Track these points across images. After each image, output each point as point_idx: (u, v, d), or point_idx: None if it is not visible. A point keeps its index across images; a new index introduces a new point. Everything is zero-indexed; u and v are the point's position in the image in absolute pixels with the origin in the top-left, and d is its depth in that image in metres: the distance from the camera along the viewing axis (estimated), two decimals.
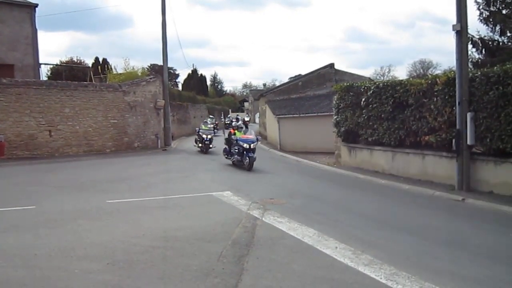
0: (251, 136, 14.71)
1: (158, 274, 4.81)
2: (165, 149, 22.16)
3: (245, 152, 14.02)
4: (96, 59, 38.12)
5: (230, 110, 64.55)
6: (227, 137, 15.92)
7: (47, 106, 18.16)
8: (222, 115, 55.55)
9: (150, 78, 23.42)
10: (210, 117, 34.78)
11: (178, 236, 6.35)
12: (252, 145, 14.06)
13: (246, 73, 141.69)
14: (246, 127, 15.11)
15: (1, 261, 5.20)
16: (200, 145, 20.12)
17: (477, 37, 19.13)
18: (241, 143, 14.20)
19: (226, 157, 15.62)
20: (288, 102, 26.00)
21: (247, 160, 13.89)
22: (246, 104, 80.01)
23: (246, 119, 56.60)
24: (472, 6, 18.89)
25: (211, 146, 19.86)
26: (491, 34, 19.31)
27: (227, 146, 15.74)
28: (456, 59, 10.25)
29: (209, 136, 19.67)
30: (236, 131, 15.33)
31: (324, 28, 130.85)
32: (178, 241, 6.08)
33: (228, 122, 47.34)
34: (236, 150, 14.47)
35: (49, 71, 29.38)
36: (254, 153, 14.00)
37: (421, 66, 62.85)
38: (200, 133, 20.18)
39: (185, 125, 36.22)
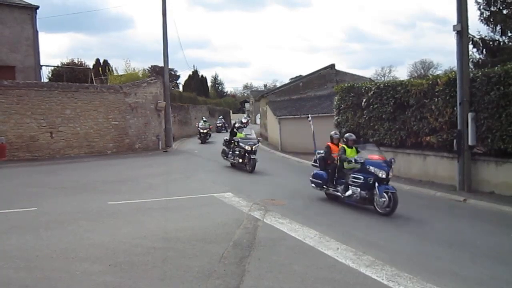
0: (381, 156, 8.86)
1: (160, 275, 4.82)
2: (166, 151, 22.16)
3: (377, 184, 8.37)
4: (97, 60, 38.17)
5: (230, 111, 64.45)
6: (322, 154, 10.12)
7: (48, 108, 18.18)
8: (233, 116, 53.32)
9: (151, 80, 23.44)
10: (203, 120, 30.16)
11: (179, 237, 6.35)
12: (391, 173, 8.49)
13: (246, 74, 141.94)
14: (356, 142, 9.81)
15: (2, 263, 5.21)
16: (240, 160, 14.38)
17: (478, 37, 19.10)
18: (373, 169, 8.46)
19: (324, 189, 9.71)
20: (289, 103, 26.00)
21: (386, 199, 8.14)
22: (247, 105, 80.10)
23: (244, 120, 54.53)
24: (472, 6, 18.90)
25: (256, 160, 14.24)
26: (491, 34, 19.29)
27: (322, 171, 9.81)
28: (457, 60, 10.27)
29: (254, 147, 14.16)
30: (344, 146, 9.45)
31: (324, 28, 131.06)
32: (179, 242, 6.08)
33: (220, 124, 40.15)
34: (360, 181, 8.62)
35: (50, 73, 29.41)
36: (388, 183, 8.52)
37: (421, 66, 62.78)
38: (240, 144, 14.38)
39: (186, 126, 36.22)
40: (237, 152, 14.56)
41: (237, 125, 15.92)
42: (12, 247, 5.86)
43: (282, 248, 5.92)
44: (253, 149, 14.12)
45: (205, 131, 27.82)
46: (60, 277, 4.82)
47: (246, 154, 14.11)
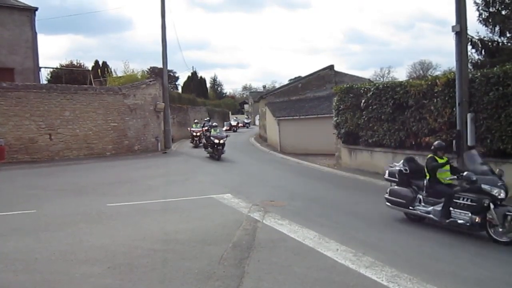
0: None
1: (159, 278, 4.81)
2: (165, 152, 22.16)
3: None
4: (96, 62, 38.19)
5: (230, 112, 64.44)
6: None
7: (47, 110, 18.18)
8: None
9: (150, 81, 23.45)
10: (195, 123, 27.41)
11: (179, 239, 6.34)
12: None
13: (246, 75, 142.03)
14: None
15: (2, 265, 5.20)
16: (477, 219, 6.52)
17: (477, 38, 19.10)
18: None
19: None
20: (288, 104, 26.00)
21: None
22: (246, 106, 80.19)
23: (233, 123, 52.16)
24: (471, 7, 18.90)
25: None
26: (490, 35, 19.28)
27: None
28: (456, 60, 10.25)
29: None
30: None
31: (323, 29, 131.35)
32: (179, 244, 6.07)
33: (207, 128, 27.04)
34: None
35: (49, 75, 29.48)
36: None
37: (420, 67, 62.90)
38: (484, 187, 6.55)
39: (185, 128, 36.17)
40: (467, 202, 6.73)
41: (436, 144, 7.83)
42: (11, 250, 5.85)
43: (282, 249, 5.91)
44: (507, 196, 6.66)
45: (221, 141, 18.01)
46: (59, 279, 4.81)
47: (492, 205, 6.46)
